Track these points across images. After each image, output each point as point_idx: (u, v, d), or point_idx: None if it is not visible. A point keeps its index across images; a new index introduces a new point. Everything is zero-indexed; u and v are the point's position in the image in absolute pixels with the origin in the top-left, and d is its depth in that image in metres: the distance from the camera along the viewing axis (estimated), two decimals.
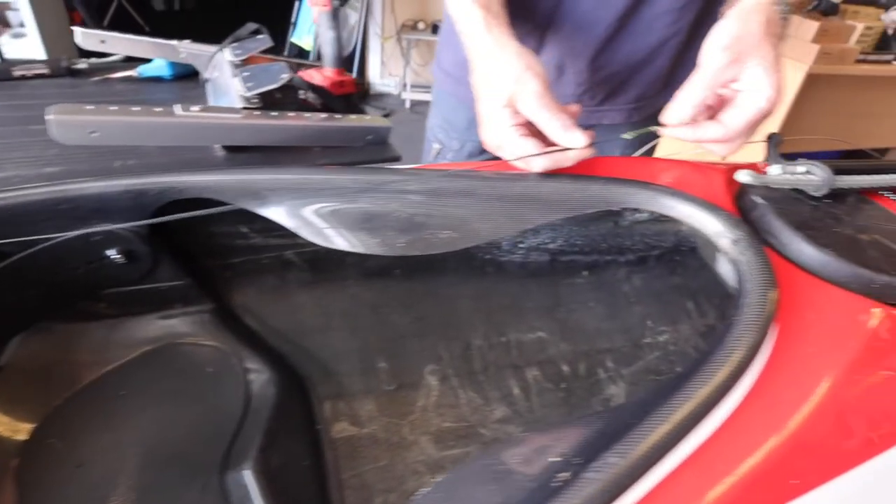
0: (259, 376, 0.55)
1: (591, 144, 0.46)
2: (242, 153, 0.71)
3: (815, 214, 0.45)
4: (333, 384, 0.60)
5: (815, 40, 1.50)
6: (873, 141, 1.76)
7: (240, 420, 0.51)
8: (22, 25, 1.91)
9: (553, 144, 0.45)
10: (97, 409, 0.50)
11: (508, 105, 0.45)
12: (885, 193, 0.53)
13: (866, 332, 0.37)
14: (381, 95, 3.03)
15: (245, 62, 0.84)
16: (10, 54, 1.87)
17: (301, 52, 2.80)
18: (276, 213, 0.48)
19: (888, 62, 1.58)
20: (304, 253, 0.61)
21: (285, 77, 0.73)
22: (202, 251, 0.57)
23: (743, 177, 0.41)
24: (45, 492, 0.43)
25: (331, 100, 0.81)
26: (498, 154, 0.47)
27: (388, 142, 0.81)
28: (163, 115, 0.63)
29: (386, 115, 2.81)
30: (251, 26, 0.91)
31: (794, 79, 1.53)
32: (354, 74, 2.63)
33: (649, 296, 0.72)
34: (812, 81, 1.54)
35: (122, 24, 3.42)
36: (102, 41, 0.89)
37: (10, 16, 1.94)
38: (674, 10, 0.57)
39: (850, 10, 1.59)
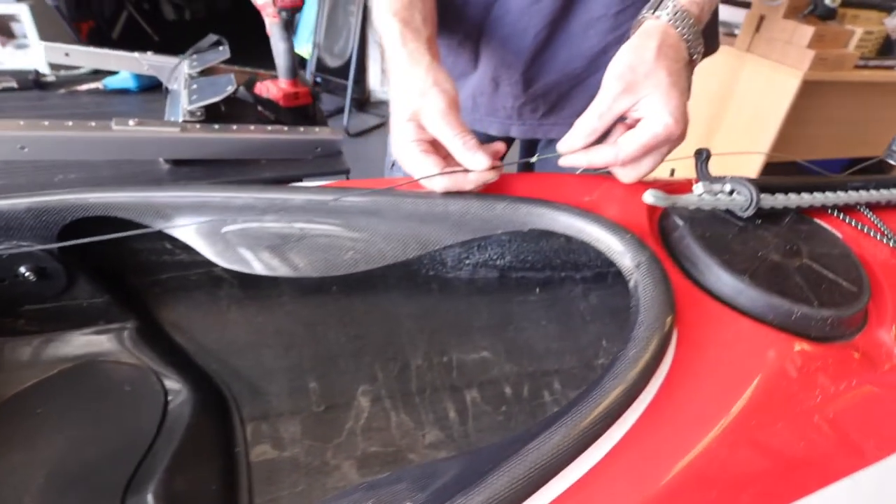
0: (178, 396, 0.54)
1: (497, 167, 0.44)
2: (187, 166, 0.70)
3: (740, 237, 0.42)
4: (260, 405, 0.58)
5: (811, 46, 1.45)
6: (877, 149, 1.70)
7: (151, 441, 0.50)
8: (25, 37, 1.96)
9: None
10: (11, 428, 0.49)
11: (412, 119, 0.44)
12: (836, 213, 0.49)
13: (772, 368, 0.34)
14: (380, 103, 3.03)
15: (205, 73, 0.83)
16: (12, 65, 1.91)
17: (302, 61, 2.83)
18: (180, 231, 0.47)
19: (891, 68, 1.52)
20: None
21: (230, 90, 0.73)
22: (128, 267, 0.57)
23: (647, 197, 0.38)
24: None
25: (279, 112, 0.80)
26: (405, 170, 0.46)
27: (339, 154, 0.80)
28: (97, 130, 0.62)
29: (383, 124, 2.81)
30: (212, 38, 0.91)
31: (790, 86, 1.48)
32: (351, 82, 2.64)
33: (606, 314, 0.69)
34: (808, 88, 1.49)
35: (132, 34, 3.50)
36: (66, 54, 0.90)
37: (15, 27, 1.99)
38: (608, 16, 0.54)
39: (850, 15, 1.53)
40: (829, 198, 0.48)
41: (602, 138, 0.45)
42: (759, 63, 1.59)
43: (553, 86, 0.60)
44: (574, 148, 0.44)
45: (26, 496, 0.46)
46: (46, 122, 0.60)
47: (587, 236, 0.42)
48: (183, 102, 0.72)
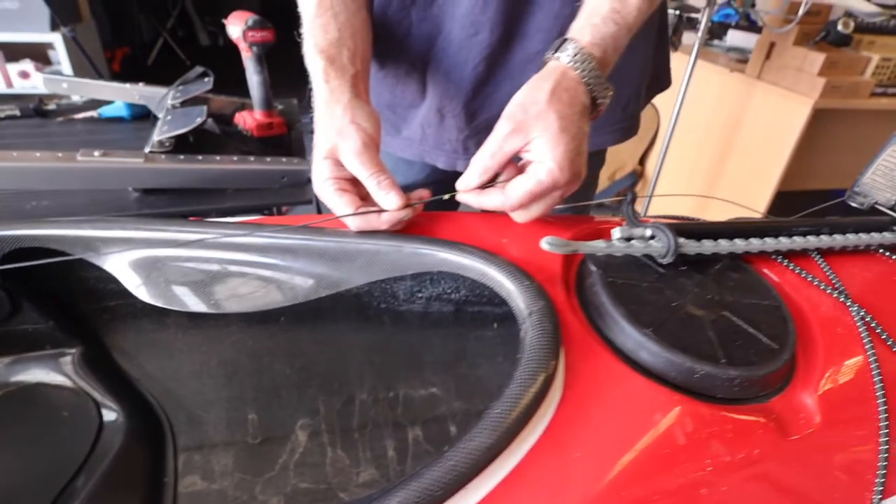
0: (114, 423, 0.54)
1: (410, 206, 0.44)
2: (153, 195, 0.72)
3: (656, 286, 0.40)
4: (196, 434, 0.58)
5: (823, 73, 1.39)
6: None
7: (78, 468, 0.51)
8: (59, 63, 2.09)
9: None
10: None
11: (329, 157, 0.44)
12: (782, 260, 0.46)
13: (657, 432, 0.32)
14: None
15: (187, 103, 0.86)
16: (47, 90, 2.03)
17: None
18: (109, 264, 0.48)
19: None
20: None
21: (199, 121, 0.75)
22: (76, 294, 0.58)
23: (543, 244, 0.37)
24: None
25: (250, 142, 0.82)
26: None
27: (307, 183, 0.81)
28: (63, 161, 0.65)
29: None
30: (198, 70, 0.94)
31: (801, 114, 1.42)
32: None
33: None
34: (821, 116, 1.43)
35: (167, 60, 3.69)
36: (64, 85, 0.95)
37: (51, 55, 2.13)
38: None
39: (866, 41, 1.47)
40: (769, 244, 0.45)
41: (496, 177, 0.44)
42: (770, 90, 1.54)
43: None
44: (469, 187, 0.43)
45: None
46: (14, 153, 0.63)
47: (490, 280, 0.40)
48: (156, 133, 0.74)
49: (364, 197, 0.45)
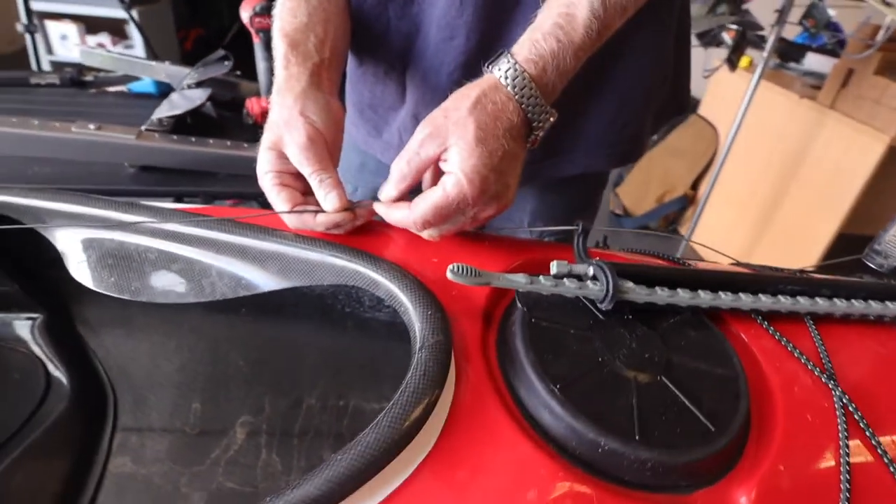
0: (59, 392, 0.55)
1: (349, 210, 0.41)
2: (148, 172, 0.73)
3: (588, 334, 0.35)
4: (138, 415, 0.58)
5: None
6: None
7: (12, 433, 0.51)
8: (131, 38, 2.23)
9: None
10: None
11: (273, 149, 0.42)
12: (762, 321, 0.39)
13: None
14: None
15: (204, 84, 0.88)
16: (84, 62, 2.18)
17: None
18: (53, 237, 0.48)
19: None
20: None
21: (197, 103, 0.75)
22: (44, 261, 0.59)
23: (448, 273, 0.32)
24: None
25: (247, 129, 0.82)
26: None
27: None
28: (57, 131, 0.67)
29: None
30: (219, 53, 0.96)
31: (874, 151, 1.26)
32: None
33: None
34: None
35: (242, 42, 3.84)
36: (99, 58, 0.99)
37: (127, 29, 2.27)
38: None
39: None
40: (744, 301, 0.38)
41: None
42: (843, 122, 1.38)
43: None
44: (389, 196, 0.40)
45: None
46: (14, 119, 0.65)
47: (396, 303, 0.37)
48: (155, 112, 0.75)
49: (308, 193, 0.43)
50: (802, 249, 1.51)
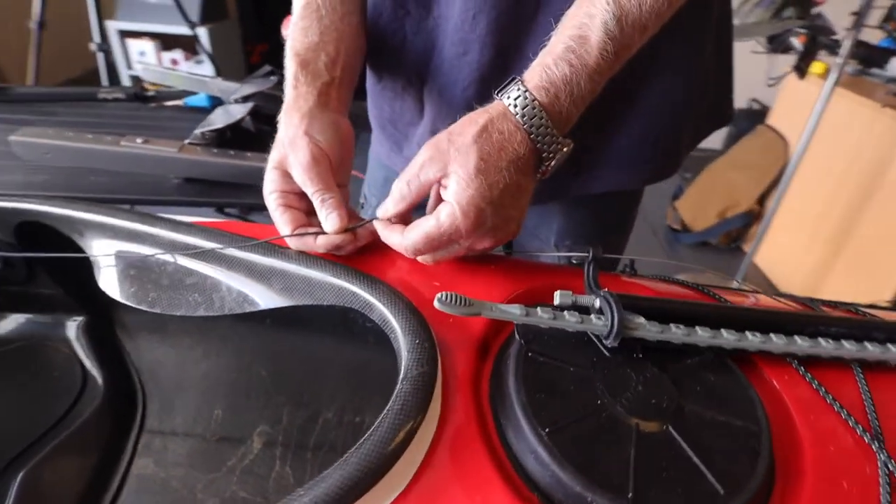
0: (94, 391, 0.58)
1: (350, 231, 0.40)
2: (191, 183, 0.77)
3: (590, 374, 0.32)
4: (164, 419, 0.60)
5: None
6: None
7: (47, 429, 0.55)
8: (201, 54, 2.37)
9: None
10: None
11: (278, 168, 0.43)
12: (798, 366, 0.35)
13: None
14: None
15: (249, 98, 0.91)
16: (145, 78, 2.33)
17: None
18: (87, 245, 0.51)
19: None
20: None
21: (236, 117, 0.78)
22: (86, 267, 0.63)
23: (436, 303, 0.31)
24: None
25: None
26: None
27: None
28: (107, 144, 0.71)
29: None
30: (266, 68, 0.99)
31: None
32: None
33: None
34: None
35: None
36: (156, 74, 1.05)
37: (198, 46, 2.42)
38: None
39: None
40: (776, 343, 0.34)
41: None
42: None
43: None
44: (386, 214, 0.39)
45: None
46: (70, 134, 0.70)
47: (390, 330, 0.35)
48: (198, 126, 0.79)
49: (312, 213, 0.43)
50: (880, 279, 1.36)
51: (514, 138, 0.36)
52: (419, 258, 0.39)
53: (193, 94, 1.08)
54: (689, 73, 0.50)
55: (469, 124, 0.36)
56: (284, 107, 0.44)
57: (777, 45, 1.36)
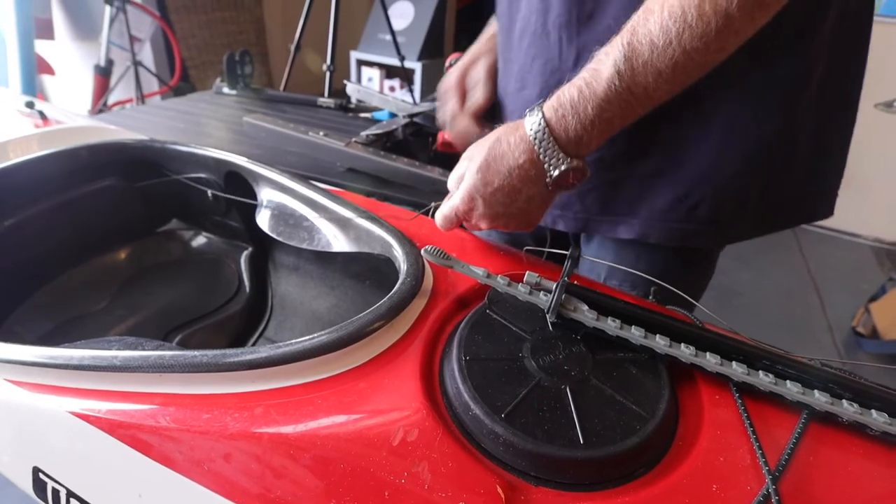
0: (241, 298, 0.82)
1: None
2: (352, 173, 1.00)
3: (523, 336, 0.40)
4: (278, 332, 0.81)
5: None
6: None
7: (205, 314, 0.79)
8: (415, 84, 2.82)
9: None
10: (144, 275, 0.85)
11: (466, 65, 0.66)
12: (736, 392, 0.37)
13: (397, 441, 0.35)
14: None
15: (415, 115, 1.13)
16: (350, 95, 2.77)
17: None
18: (261, 194, 0.74)
19: None
20: None
21: (391, 128, 0.99)
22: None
23: (423, 251, 0.42)
24: None
25: (426, 152, 1.02)
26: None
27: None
28: (298, 133, 0.98)
29: None
30: (434, 94, 1.20)
31: None
32: None
33: None
34: None
35: None
36: (358, 93, 1.35)
37: (413, 76, 2.88)
38: None
39: None
40: (707, 360, 0.37)
41: None
42: None
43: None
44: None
45: (118, 323, 0.79)
46: (279, 121, 0.98)
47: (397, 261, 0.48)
48: (364, 131, 1.02)
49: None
50: None
51: (517, 148, 0.44)
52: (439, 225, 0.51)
53: (380, 109, 1.35)
54: (749, 141, 0.49)
55: (496, 131, 0.46)
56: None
57: None
